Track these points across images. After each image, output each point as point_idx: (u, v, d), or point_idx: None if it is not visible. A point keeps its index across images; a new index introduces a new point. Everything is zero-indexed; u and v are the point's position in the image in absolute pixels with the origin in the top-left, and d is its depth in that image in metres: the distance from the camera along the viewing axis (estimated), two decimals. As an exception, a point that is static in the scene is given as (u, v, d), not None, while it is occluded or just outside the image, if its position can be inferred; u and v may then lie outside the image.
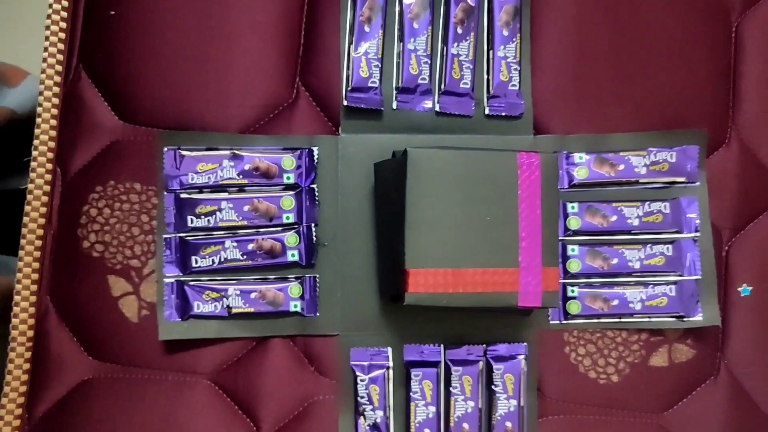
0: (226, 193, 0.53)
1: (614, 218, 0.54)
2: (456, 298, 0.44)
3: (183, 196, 0.53)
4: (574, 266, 0.53)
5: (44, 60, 0.54)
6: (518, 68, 0.55)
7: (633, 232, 0.54)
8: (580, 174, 0.54)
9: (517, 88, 0.55)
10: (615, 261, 0.54)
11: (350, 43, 0.54)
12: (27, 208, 0.51)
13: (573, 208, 0.54)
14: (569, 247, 0.54)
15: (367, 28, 0.54)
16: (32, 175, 0.53)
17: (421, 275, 0.44)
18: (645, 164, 0.55)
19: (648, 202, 0.54)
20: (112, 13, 0.55)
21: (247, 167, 0.53)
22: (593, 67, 0.56)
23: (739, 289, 0.55)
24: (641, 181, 0.55)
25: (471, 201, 0.44)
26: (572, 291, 0.53)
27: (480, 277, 0.44)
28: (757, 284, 0.56)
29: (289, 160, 0.53)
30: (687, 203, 0.55)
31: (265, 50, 0.55)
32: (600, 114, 0.56)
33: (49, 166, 0.54)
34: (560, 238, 0.54)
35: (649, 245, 0.54)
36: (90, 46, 0.55)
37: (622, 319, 0.54)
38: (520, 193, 0.44)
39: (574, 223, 0.54)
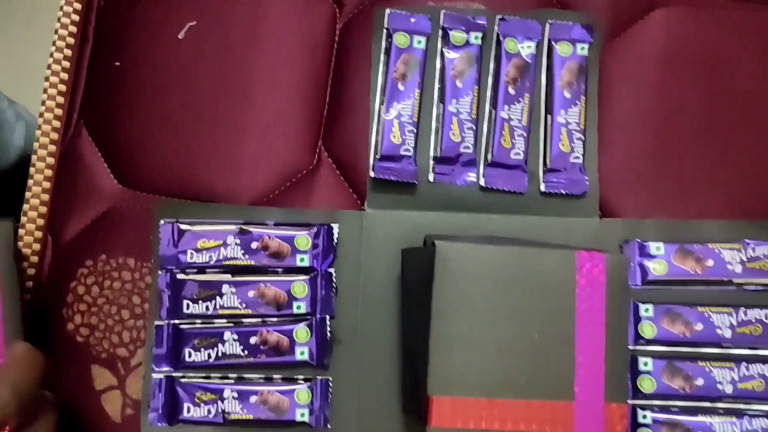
0: (229, 276, 0.45)
1: (700, 326, 0.43)
2: None
3: (179, 276, 0.45)
4: (647, 385, 0.43)
5: (41, 114, 0.49)
6: (582, 138, 0.46)
7: (724, 345, 0.43)
8: (657, 269, 0.44)
9: (580, 161, 0.46)
10: (700, 381, 0.43)
11: (381, 103, 0.46)
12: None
13: (647, 311, 0.44)
14: (641, 360, 0.43)
15: (401, 87, 0.46)
16: (19, 244, 0.47)
17: (447, 403, 0.34)
18: (741, 260, 0.44)
19: (744, 309, 0.43)
20: (117, 64, 0.49)
21: (254, 246, 0.45)
22: (676, 140, 0.46)
23: None
24: (736, 281, 0.44)
25: (514, 312, 0.35)
26: (644, 417, 0.43)
27: (523, 412, 0.34)
28: None
29: (304, 239, 0.45)
30: (795, 312, 0.43)
31: (285, 111, 0.47)
32: (683, 196, 0.46)
33: (39, 234, 0.48)
34: (631, 347, 0.44)
35: (745, 364, 0.43)
36: (92, 100, 0.49)
37: (708, 456, 0.43)
38: (578, 305, 0.35)
39: (648, 331, 0.43)
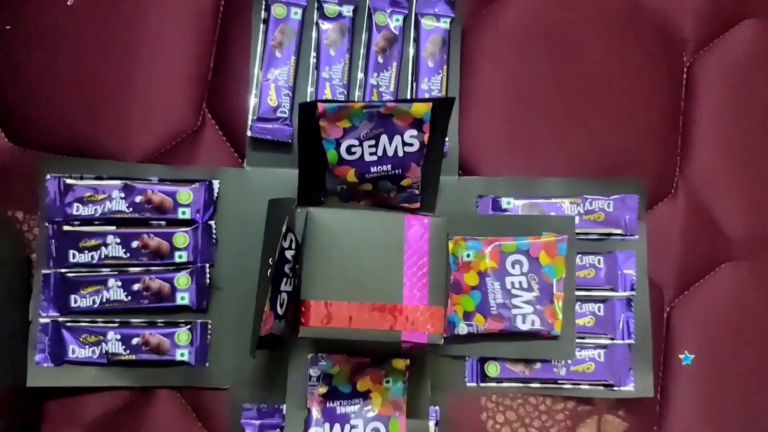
0: (114, 227, 0.48)
1: (542, 271, 0.49)
2: (343, 332, 0.41)
3: (66, 228, 0.48)
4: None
5: (-69, 75, 0.50)
6: (443, 103, 0.50)
7: (562, 287, 0.49)
8: (507, 221, 0.49)
9: (442, 124, 0.50)
10: (540, 319, 0.48)
11: (260, 69, 0.50)
12: None
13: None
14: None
15: (278, 54, 0.50)
16: None
17: (312, 306, 0.41)
18: (579, 212, 0.49)
19: (580, 255, 0.49)
20: (8, 27, 0.51)
21: (138, 199, 0.48)
22: (528, 106, 0.51)
23: (680, 356, 0.50)
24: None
25: (362, 254, 0.42)
26: (491, 351, 0.48)
27: (367, 314, 0.41)
28: (700, 351, 0.50)
29: (185, 194, 0.49)
30: (623, 258, 0.49)
31: (170, 74, 0.50)
32: (533, 157, 0.51)
33: (-71, 189, 0.49)
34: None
35: (579, 303, 0.49)
36: (-16, 61, 0.51)
37: (546, 385, 0.48)
38: (406, 260, 0.41)
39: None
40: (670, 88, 0.53)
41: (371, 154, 0.44)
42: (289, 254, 0.41)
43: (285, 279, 0.41)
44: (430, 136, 0.44)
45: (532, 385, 0.48)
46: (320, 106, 0.42)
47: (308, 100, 0.48)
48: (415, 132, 0.44)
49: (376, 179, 0.45)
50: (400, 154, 0.44)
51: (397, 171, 0.45)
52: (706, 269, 0.51)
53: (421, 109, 0.43)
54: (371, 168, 0.45)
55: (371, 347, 0.46)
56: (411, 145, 0.44)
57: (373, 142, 0.44)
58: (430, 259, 0.41)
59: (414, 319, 0.40)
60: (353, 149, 0.44)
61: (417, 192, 0.47)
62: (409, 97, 0.51)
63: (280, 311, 0.41)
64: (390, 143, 0.44)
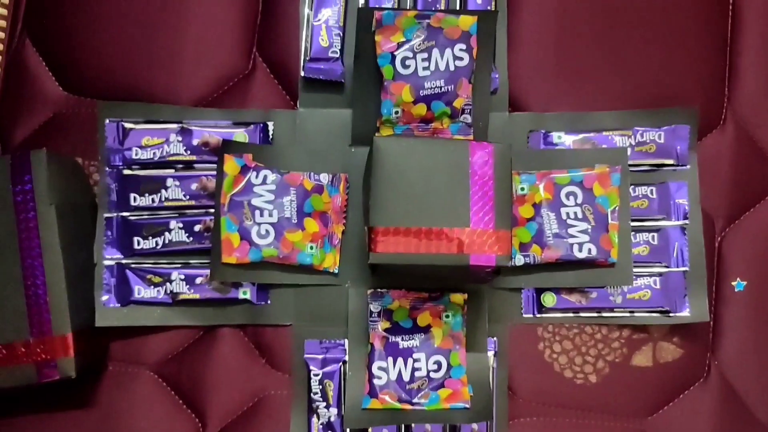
0: (173, 170, 0.49)
1: (595, 203, 0.49)
2: (412, 258, 0.41)
3: (126, 172, 0.49)
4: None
5: (-16, 26, 0.51)
6: (493, 39, 0.51)
7: (616, 218, 0.50)
8: (558, 155, 0.50)
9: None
10: (595, 249, 0.49)
11: (310, 9, 0.50)
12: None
13: (550, 192, 0.50)
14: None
15: (328, -6, 0.50)
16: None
17: (381, 232, 0.41)
18: (630, 145, 0.50)
19: (633, 186, 0.50)
20: (58, -23, 0.51)
21: (195, 142, 0.49)
22: (575, 39, 0.51)
23: (733, 283, 0.51)
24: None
25: (428, 180, 0.42)
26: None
27: (435, 238, 0.41)
28: (752, 278, 0.51)
29: (241, 136, 0.49)
30: (676, 188, 0.50)
31: (220, 17, 0.51)
32: (582, 90, 0.51)
33: (-13, 139, 0.50)
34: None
35: (633, 233, 0.49)
36: (36, 11, 0.52)
37: (602, 314, 0.49)
38: (472, 176, 0.42)
39: (550, 208, 0.49)
40: (717, 19, 0.53)
41: (424, 68, 0.47)
42: None
43: None
44: (478, 51, 0.47)
45: (588, 314, 0.49)
46: (377, 12, 0.46)
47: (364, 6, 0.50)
48: (464, 45, 0.47)
49: (430, 98, 0.46)
50: (452, 68, 0.47)
51: (449, 87, 0.47)
52: (756, 198, 0.51)
53: (468, 21, 0.47)
54: (425, 83, 0.46)
55: (431, 279, 0.47)
56: (461, 59, 0.47)
57: (425, 55, 0.47)
58: (495, 184, 0.42)
59: (481, 242, 0.41)
60: (407, 62, 0.47)
61: (469, 121, 0.48)
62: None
63: None
64: (441, 57, 0.47)
